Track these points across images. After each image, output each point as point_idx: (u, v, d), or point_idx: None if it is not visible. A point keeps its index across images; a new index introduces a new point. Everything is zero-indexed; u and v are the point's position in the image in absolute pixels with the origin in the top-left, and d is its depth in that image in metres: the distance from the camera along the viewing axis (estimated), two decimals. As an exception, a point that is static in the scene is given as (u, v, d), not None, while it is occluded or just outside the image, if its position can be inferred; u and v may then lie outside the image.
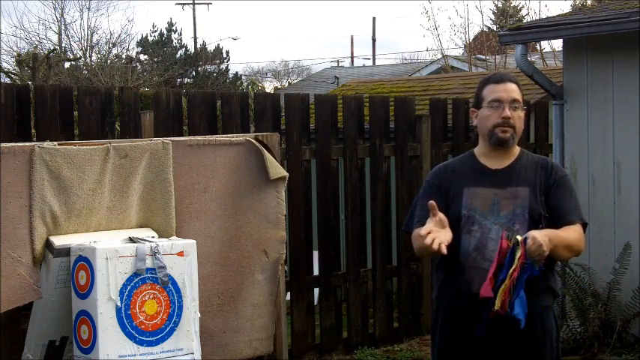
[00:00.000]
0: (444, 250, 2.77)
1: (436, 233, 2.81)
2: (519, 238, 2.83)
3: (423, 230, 2.81)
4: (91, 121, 4.53)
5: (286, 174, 4.07)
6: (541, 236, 2.80)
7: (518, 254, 2.81)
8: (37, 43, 25.97)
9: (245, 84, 30.46)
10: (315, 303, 5.87)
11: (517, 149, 3.15)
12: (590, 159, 6.08)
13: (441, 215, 2.87)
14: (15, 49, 25.84)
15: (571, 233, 2.98)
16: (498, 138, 3.05)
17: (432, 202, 2.89)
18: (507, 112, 3.02)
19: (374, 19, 44.32)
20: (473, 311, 3.02)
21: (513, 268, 2.81)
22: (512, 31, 6.17)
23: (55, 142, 3.42)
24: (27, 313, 3.52)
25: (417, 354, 5.84)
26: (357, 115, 5.89)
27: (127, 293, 3.11)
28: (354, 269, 5.91)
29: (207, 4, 38.55)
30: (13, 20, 49.94)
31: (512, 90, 3.06)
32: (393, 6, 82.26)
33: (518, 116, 3.05)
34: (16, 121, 4.27)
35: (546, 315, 3.09)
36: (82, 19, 35.91)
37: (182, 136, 4.65)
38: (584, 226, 3.08)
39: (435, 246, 2.76)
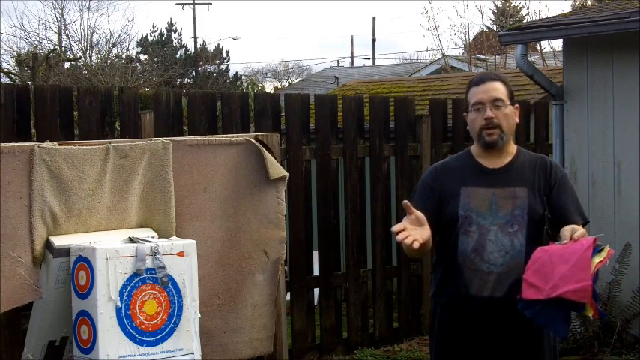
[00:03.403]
0: (416, 246, 2.75)
1: (410, 231, 2.78)
2: (608, 247, 2.78)
3: (396, 227, 2.79)
4: (91, 121, 4.53)
5: (286, 174, 4.07)
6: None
7: (599, 259, 2.74)
8: (37, 43, 26.00)
9: (245, 84, 30.45)
10: (315, 303, 5.87)
11: (513, 148, 3.12)
12: (590, 159, 6.08)
13: (417, 213, 2.84)
14: (15, 49, 25.88)
15: None
16: (485, 141, 3.03)
17: (405, 201, 2.87)
18: (489, 113, 2.99)
19: (374, 19, 44.35)
20: (471, 312, 3.03)
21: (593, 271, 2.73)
22: (512, 31, 6.17)
23: (55, 142, 3.42)
24: (27, 313, 3.52)
25: (417, 354, 5.84)
26: (357, 115, 5.89)
27: (127, 293, 3.11)
28: (354, 269, 5.91)
29: (207, 4, 38.59)
30: (13, 20, 50.07)
31: (492, 89, 3.02)
32: (392, 6, 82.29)
33: (503, 114, 3.01)
34: (16, 121, 4.27)
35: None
36: (82, 19, 35.96)
37: (182, 136, 4.65)
38: (586, 224, 3.08)
39: (408, 241, 2.74)
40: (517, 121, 3.09)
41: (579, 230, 2.82)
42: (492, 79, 3.07)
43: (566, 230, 2.84)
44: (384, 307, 6.10)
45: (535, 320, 2.84)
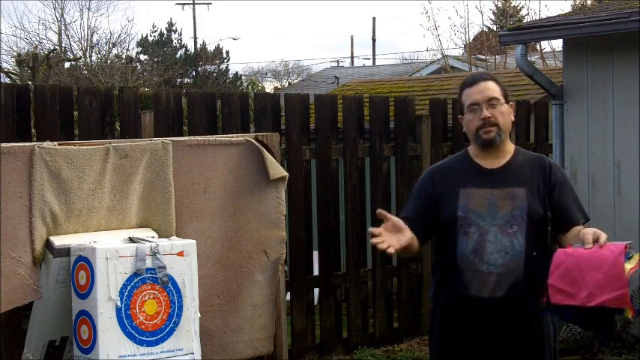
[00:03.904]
0: (391, 252, 2.82)
1: (385, 236, 2.83)
2: (638, 255, 2.76)
3: (373, 229, 2.84)
4: (91, 121, 4.53)
5: (286, 174, 4.07)
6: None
7: (631, 266, 2.71)
8: (37, 43, 26.00)
9: (245, 84, 30.45)
10: (315, 303, 5.87)
11: (511, 147, 3.12)
12: (590, 159, 6.08)
13: (393, 220, 2.90)
14: (15, 49, 25.87)
15: None
16: (483, 140, 3.03)
17: (379, 211, 2.93)
18: (485, 113, 2.99)
19: (374, 19, 44.37)
20: (471, 313, 3.02)
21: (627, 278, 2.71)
22: (512, 31, 6.17)
23: (55, 142, 3.41)
24: (27, 313, 3.52)
25: (417, 354, 5.84)
26: (357, 115, 5.90)
27: (127, 293, 3.11)
28: (354, 269, 5.91)
29: (207, 4, 38.63)
30: (13, 20, 50.04)
31: (486, 89, 3.02)
32: (392, 6, 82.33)
33: (500, 112, 3.01)
34: (16, 121, 4.27)
35: (544, 315, 3.08)
36: (82, 19, 36.02)
37: (182, 136, 4.65)
38: (586, 222, 3.08)
39: (383, 247, 2.79)
40: (513, 119, 3.10)
41: (603, 235, 2.77)
42: (485, 79, 3.08)
43: (587, 234, 2.78)
44: (383, 307, 6.10)
45: (580, 326, 2.84)
